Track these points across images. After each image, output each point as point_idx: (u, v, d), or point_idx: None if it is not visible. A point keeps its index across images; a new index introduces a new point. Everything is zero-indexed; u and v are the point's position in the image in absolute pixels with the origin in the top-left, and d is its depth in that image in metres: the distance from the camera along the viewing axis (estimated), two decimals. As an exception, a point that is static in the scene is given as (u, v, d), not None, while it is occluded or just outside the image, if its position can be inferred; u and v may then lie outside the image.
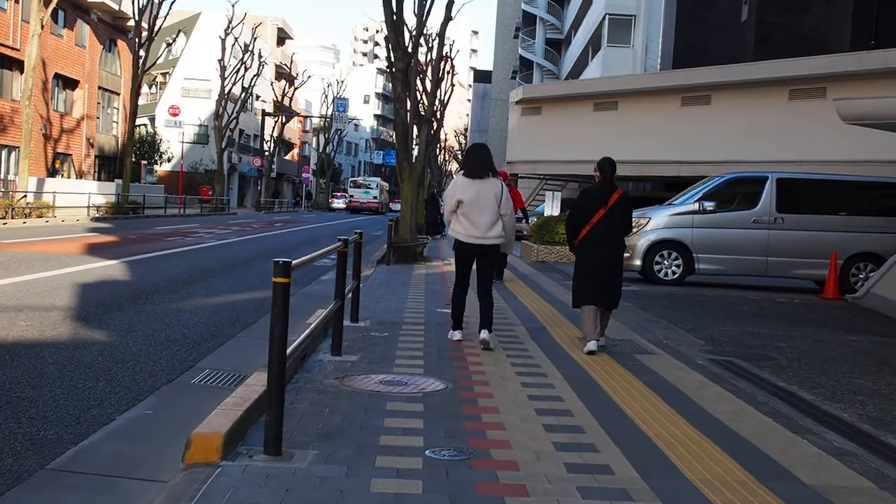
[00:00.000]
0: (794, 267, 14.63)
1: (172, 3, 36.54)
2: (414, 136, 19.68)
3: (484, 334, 7.36)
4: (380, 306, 9.89)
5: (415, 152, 19.34)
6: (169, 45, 39.20)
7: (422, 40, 31.22)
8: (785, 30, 28.65)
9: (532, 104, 31.64)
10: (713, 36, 31.88)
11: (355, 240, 8.46)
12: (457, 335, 7.74)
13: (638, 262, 14.77)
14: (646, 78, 29.11)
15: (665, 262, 14.72)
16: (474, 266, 7.71)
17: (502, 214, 7.46)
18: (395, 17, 17.02)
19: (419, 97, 18.94)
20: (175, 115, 45.57)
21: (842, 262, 14.15)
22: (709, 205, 14.52)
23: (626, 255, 15.26)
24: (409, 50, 17.67)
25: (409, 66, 17.37)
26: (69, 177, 40.18)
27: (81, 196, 31.91)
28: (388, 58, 17.36)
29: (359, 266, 8.53)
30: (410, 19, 19.54)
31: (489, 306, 7.54)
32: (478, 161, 7.58)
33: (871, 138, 19.30)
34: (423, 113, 18.97)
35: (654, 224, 14.84)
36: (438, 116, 42.01)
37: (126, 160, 35.37)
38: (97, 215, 31.78)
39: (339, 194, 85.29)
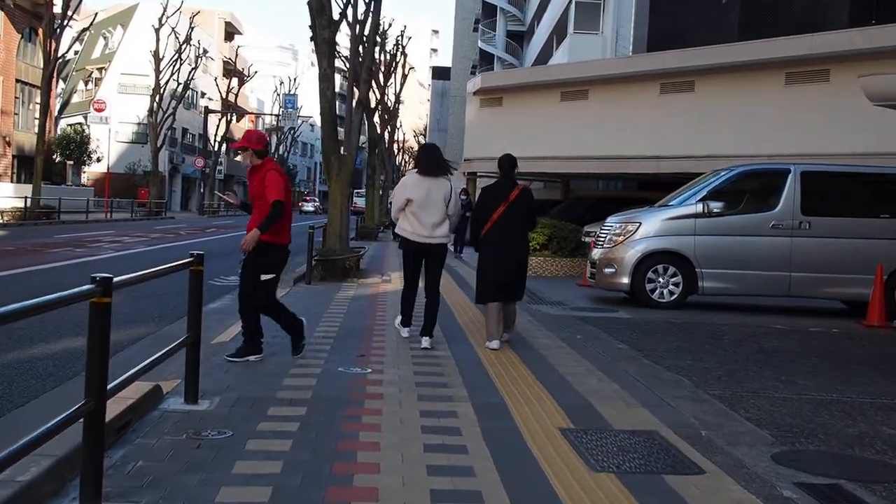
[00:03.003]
0: (823, 284, 11.44)
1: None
2: (359, 126, 16.16)
3: (425, 342, 7.36)
4: (256, 363, 6.50)
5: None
6: (83, 30, 35.03)
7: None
8: (773, 10, 25.68)
9: (492, 94, 28.30)
10: (691, 19, 28.83)
11: (194, 268, 5.09)
12: (405, 332, 7.76)
13: (626, 280, 11.54)
14: (619, 63, 25.87)
15: (660, 279, 11.49)
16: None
17: (449, 215, 7.43)
18: (318, -25, 13.65)
19: (361, 77, 15.51)
20: (100, 110, 41.55)
21: (885, 277, 11.00)
22: (715, 206, 11.32)
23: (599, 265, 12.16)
24: (337, 18, 14.31)
25: (335, 36, 13.97)
26: (-20, 178, 36.26)
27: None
28: (311, 26, 13.93)
29: (198, 308, 5.16)
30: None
31: (434, 308, 7.56)
32: (433, 159, 7.59)
33: (885, 126, 16.31)
34: (357, 94, 15.51)
35: (645, 230, 11.61)
36: (389, 106, 38.61)
37: (37, 158, 31.43)
38: (1, 221, 27.92)
39: (308, 198, 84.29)
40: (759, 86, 20.82)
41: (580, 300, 12.25)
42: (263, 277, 6.47)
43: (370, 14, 15.63)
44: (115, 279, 3.54)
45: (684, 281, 11.43)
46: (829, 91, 19.46)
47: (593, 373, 6.58)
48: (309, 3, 14.13)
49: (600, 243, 12.16)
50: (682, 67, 22.32)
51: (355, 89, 15.38)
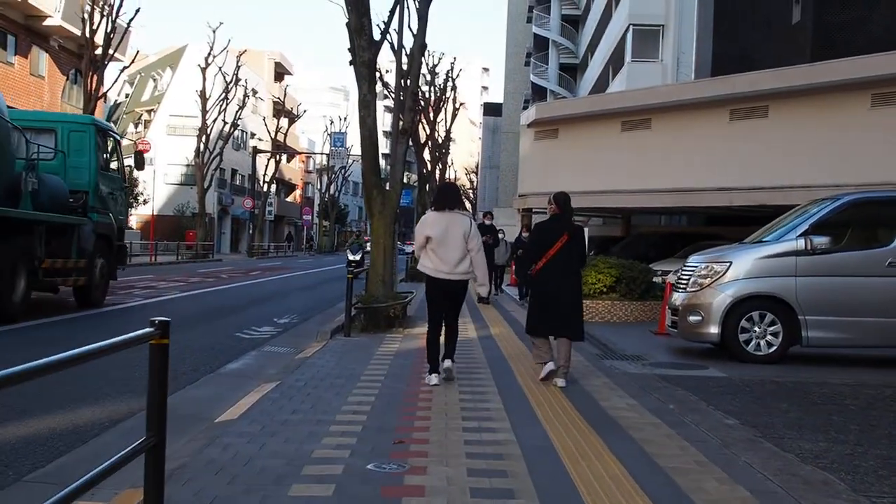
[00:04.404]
0: (953, 333, 9.61)
1: (131, 20, 32.43)
2: (401, 156, 14.81)
3: (447, 363, 7.60)
4: (261, 456, 4.98)
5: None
6: (124, 68, 34.61)
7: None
8: (849, 30, 23.88)
9: (547, 126, 26.80)
10: (758, 43, 27.13)
11: (154, 342, 3.63)
12: (434, 379, 7.49)
13: (715, 330, 9.83)
14: (685, 88, 24.16)
15: (756, 328, 9.77)
16: None
17: (470, 249, 7.50)
18: (357, -7, 12.37)
19: (410, 107, 14.15)
20: (145, 151, 40.70)
21: None
22: (820, 241, 9.59)
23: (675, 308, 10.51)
24: (378, 38, 12.99)
25: (375, 58, 12.63)
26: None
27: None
28: (349, 49, 12.63)
29: (160, 398, 3.69)
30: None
31: (453, 335, 7.74)
32: (448, 195, 7.81)
33: None
34: (401, 122, 14.11)
35: (736, 271, 9.91)
36: (441, 142, 37.37)
37: (80, 202, 30.66)
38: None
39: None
40: (841, 109, 19.02)
41: (660, 353, 10.56)
42: None
43: (415, 34, 14.29)
44: None
45: (784, 330, 9.70)
46: (923, 112, 17.60)
47: (706, 467, 4.93)
48: (347, 24, 12.85)
49: (682, 286, 10.49)
50: (753, 91, 20.59)
51: (400, 118, 13.98)
